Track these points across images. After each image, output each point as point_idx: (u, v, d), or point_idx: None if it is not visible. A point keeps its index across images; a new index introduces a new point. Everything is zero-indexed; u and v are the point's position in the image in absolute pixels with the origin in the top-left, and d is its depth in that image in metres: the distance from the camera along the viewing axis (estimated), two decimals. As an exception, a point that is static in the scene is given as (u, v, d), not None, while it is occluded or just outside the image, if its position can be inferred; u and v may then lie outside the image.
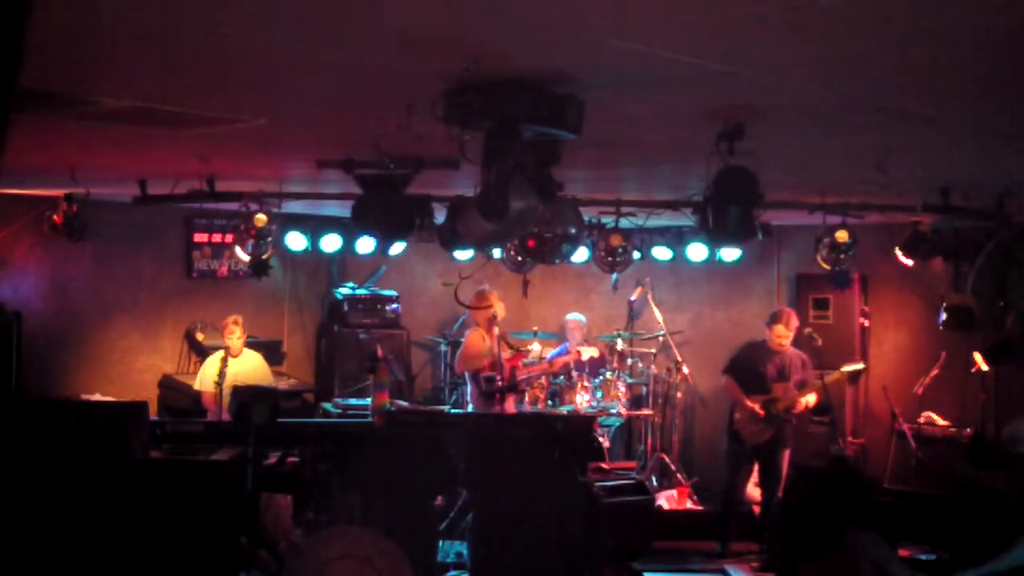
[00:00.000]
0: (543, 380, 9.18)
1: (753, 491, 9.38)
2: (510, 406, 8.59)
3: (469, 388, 8.95)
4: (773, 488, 8.45)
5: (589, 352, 9.37)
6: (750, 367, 8.58)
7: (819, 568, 5.29)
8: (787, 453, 8.53)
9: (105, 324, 9.47)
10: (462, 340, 9.27)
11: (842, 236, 7.41)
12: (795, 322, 8.54)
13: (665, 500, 9.23)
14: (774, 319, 8.56)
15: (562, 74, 3.71)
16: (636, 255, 8.66)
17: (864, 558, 5.08)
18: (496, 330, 8.54)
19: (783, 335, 8.45)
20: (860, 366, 8.97)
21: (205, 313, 9.92)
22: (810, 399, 8.50)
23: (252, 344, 9.07)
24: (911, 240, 8.28)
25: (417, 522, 6.99)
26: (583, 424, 8.45)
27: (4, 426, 6.06)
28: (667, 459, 9.98)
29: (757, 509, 8.96)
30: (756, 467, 9.06)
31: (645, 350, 10.55)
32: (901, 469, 9.15)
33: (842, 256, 7.50)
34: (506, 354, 8.55)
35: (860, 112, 4.37)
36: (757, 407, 8.40)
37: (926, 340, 9.58)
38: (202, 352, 9.60)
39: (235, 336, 8.79)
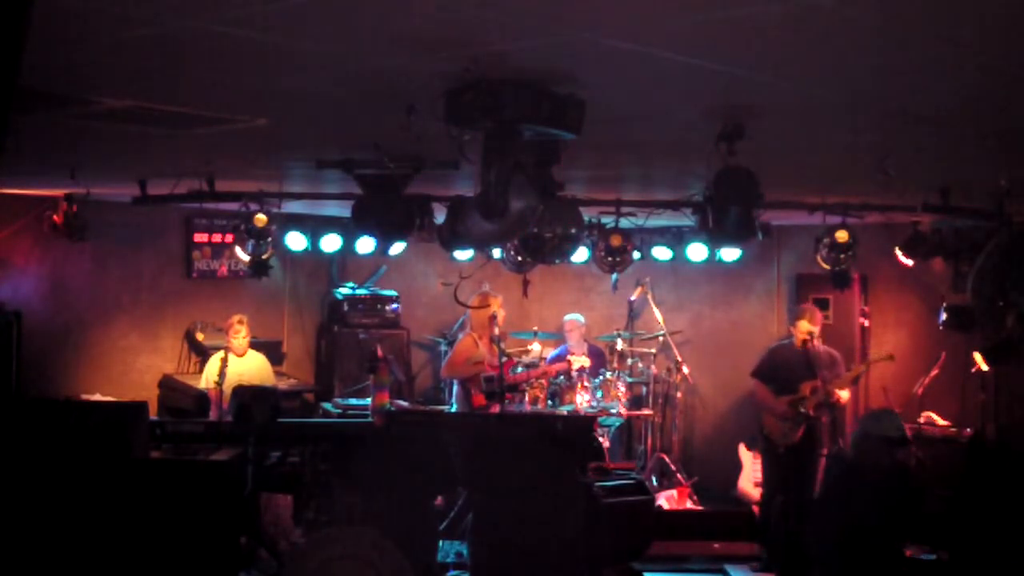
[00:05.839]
0: (543, 380, 9.17)
1: (753, 491, 9.38)
2: (493, 409, 8.51)
3: (455, 390, 8.88)
4: (805, 489, 8.17)
5: (580, 362, 9.30)
6: (777, 368, 8.43)
7: None
8: (824, 452, 8.36)
9: (105, 324, 9.47)
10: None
11: (842, 236, 7.40)
12: (819, 317, 8.41)
13: (665, 500, 9.24)
14: (796, 316, 8.47)
15: (562, 74, 3.70)
16: (636, 255, 8.63)
17: None
18: (496, 330, 8.50)
19: (806, 331, 8.26)
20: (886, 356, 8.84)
21: (205, 313, 9.92)
22: (843, 395, 8.33)
23: (252, 344, 9.07)
24: (911, 240, 8.29)
25: (417, 522, 6.98)
26: (583, 424, 8.43)
27: (4, 426, 6.06)
28: (667, 459, 9.99)
29: (756, 509, 8.95)
30: (758, 465, 9.05)
31: (645, 350, 10.55)
32: (901, 469, 9.15)
33: (842, 256, 7.48)
34: (494, 360, 8.45)
35: (861, 112, 4.36)
36: (784, 407, 8.23)
37: (926, 340, 9.58)
38: (202, 352, 9.60)
39: (240, 335, 8.77)
